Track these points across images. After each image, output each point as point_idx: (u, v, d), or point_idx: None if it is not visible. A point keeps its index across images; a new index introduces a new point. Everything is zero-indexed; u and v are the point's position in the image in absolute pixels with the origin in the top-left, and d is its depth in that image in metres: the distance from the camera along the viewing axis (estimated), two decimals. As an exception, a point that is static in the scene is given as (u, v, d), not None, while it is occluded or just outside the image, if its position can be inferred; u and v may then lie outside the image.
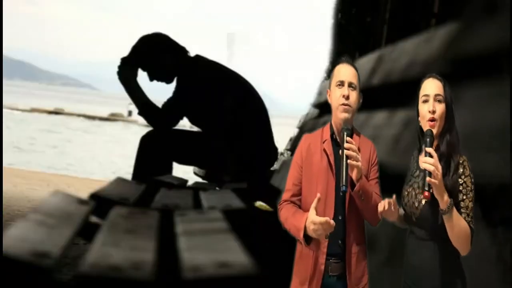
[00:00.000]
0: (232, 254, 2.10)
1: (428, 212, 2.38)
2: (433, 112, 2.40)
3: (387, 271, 2.73)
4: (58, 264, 1.80)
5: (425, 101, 2.43)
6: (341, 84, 2.61)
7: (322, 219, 2.41)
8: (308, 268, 2.56)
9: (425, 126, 2.43)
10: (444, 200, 2.28)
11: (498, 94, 2.77)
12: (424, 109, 2.43)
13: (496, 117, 2.73)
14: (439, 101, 2.42)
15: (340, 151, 2.49)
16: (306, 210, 2.53)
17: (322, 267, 2.54)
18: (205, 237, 2.46)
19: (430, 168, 2.26)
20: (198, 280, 1.82)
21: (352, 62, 2.71)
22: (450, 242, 2.35)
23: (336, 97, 2.61)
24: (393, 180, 2.71)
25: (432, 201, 2.33)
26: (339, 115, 2.58)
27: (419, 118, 2.47)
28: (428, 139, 2.36)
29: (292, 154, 8.34)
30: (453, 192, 2.33)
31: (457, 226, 2.30)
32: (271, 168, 6.17)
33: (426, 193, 2.27)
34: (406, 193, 2.49)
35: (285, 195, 2.66)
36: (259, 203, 6.57)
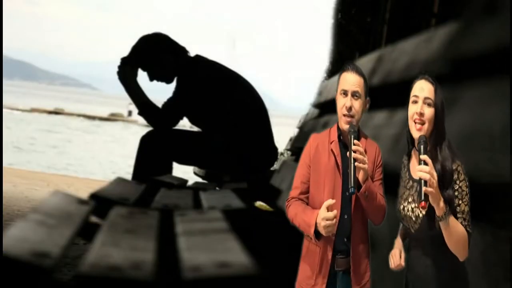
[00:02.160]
0: (232, 254, 2.10)
1: (426, 223, 2.35)
2: (421, 114, 2.35)
3: (385, 271, 2.73)
4: (58, 264, 1.80)
5: (414, 102, 2.38)
6: (344, 93, 2.67)
7: (333, 213, 2.53)
8: (315, 263, 2.64)
9: (412, 127, 2.38)
10: (440, 207, 2.24)
11: (498, 94, 2.77)
12: (412, 110, 2.38)
13: (496, 117, 2.72)
14: (429, 105, 2.36)
15: (348, 154, 2.57)
16: (314, 207, 2.63)
17: (329, 262, 2.63)
18: (205, 237, 2.46)
19: (426, 176, 2.21)
20: (198, 280, 1.81)
21: (358, 68, 2.72)
22: (449, 254, 2.32)
23: (340, 106, 2.68)
24: (393, 179, 2.72)
25: (430, 213, 2.29)
26: (342, 125, 2.67)
27: (408, 119, 2.42)
28: (422, 146, 2.30)
29: (292, 154, 8.35)
30: (450, 200, 2.29)
31: (455, 233, 2.27)
32: (271, 168, 6.17)
33: (423, 203, 2.22)
34: (402, 207, 2.45)
35: (293, 193, 2.73)
36: (259, 203, 6.57)
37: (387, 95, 4.00)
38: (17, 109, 50.92)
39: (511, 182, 2.42)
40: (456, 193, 2.31)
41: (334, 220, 2.53)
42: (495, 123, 2.70)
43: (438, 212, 2.25)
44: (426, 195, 2.22)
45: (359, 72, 2.70)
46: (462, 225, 2.29)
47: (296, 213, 2.68)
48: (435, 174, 2.23)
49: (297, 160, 6.74)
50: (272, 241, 3.96)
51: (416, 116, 2.37)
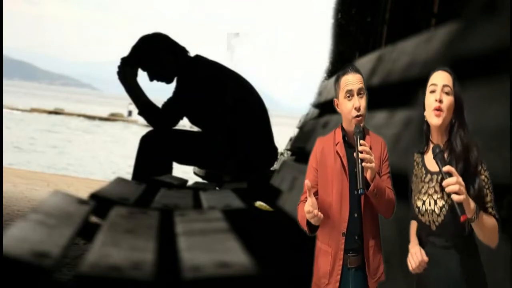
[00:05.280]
0: (232, 254, 2.10)
1: (451, 218, 2.28)
2: (440, 101, 2.30)
3: (386, 271, 2.73)
4: (58, 264, 1.80)
5: (432, 91, 2.34)
6: (350, 95, 2.66)
7: (308, 208, 2.57)
8: (327, 263, 2.68)
9: (430, 116, 2.33)
10: (470, 209, 2.18)
11: (498, 94, 2.77)
12: (431, 99, 2.33)
13: (496, 117, 2.72)
14: (447, 93, 2.32)
15: (354, 154, 2.58)
16: (323, 211, 2.64)
17: (341, 261, 2.66)
18: (205, 237, 2.46)
19: (455, 189, 2.15)
20: (198, 280, 1.81)
21: (356, 67, 2.74)
22: (473, 248, 2.29)
23: (347, 109, 2.67)
24: (393, 179, 2.73)
25: (453, 207, 2.22)
26: (352, 126, 2.66)
27: (425, 112, 2.37)
28: (438, 159, 2.24)
29: (292, 154, 8.34)
30: (480, 191, 2.25)
31: (487, 226, 2.23)
32: (271, 168, 6.17)
33: (463, 217, 2.14)
34: (421, 202, 2.36)
35: (302, 197, 2.78)
36: (259, 203, 6.57)
37: (387, 95, 4.00)
38: (17, 109, 50.98)
39: (511, 182, 2.43)
40: (483, 183, 2.27)
41: (313, 213, 2.56)
42: (495, 123, 2.70)
43: (469, 214, 2.18)
44: (462, 207, 2.15)
45: (358, 70, 2.73)
46: (491, 214, 2.26)
47: (299, 213, 2.74)
48: (461, 181, 2.17)
49: (297, 160, 6.74)
50: (272, 241, 3.96)
51: (435, 104, 2.31)
